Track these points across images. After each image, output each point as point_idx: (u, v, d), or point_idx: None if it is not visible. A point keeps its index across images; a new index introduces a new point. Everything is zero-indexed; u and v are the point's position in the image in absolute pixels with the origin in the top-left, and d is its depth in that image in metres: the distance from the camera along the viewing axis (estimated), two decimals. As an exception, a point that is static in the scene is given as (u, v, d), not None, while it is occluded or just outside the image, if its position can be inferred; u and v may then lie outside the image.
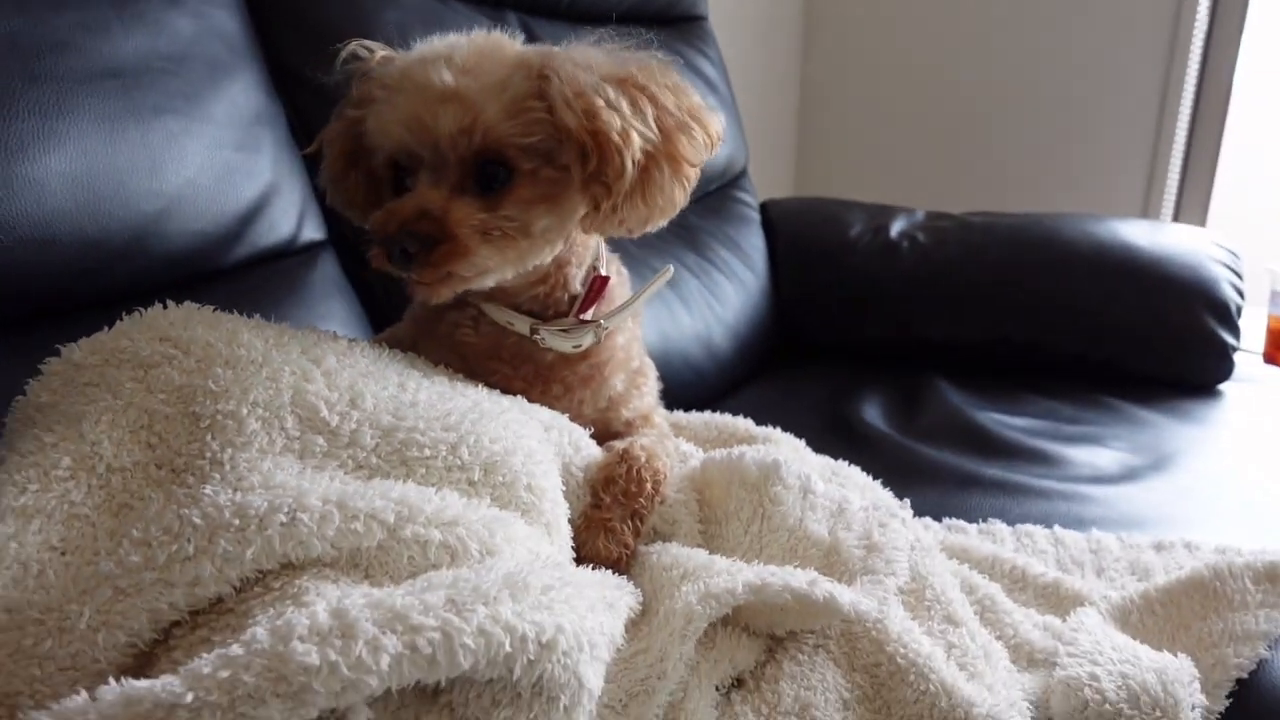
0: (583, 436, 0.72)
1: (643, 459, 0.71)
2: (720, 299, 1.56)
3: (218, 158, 0.89)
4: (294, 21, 1.08)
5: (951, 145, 2.49)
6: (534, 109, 0.65)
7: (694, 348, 1.46)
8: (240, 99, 0.95)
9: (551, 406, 0.76)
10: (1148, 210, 2.27)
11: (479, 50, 0.68)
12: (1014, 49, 2.34)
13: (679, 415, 1.02)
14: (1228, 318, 1.45)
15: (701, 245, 1.61)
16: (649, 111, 0.67)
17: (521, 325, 0.75)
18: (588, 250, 0.78)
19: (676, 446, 0.83)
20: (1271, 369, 1.55)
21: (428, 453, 0.57)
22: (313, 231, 1.02)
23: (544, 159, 0.67)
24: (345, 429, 0.55)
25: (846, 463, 0.98)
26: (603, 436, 0.80)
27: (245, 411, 0.54)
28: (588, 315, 0.77)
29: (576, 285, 0.77)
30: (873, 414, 1.34)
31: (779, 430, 1.00)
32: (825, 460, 0.94)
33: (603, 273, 0.78)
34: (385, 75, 0.69)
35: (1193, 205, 2.24)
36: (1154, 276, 1.49)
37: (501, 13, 1.40)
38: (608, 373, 0.80)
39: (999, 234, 1.62)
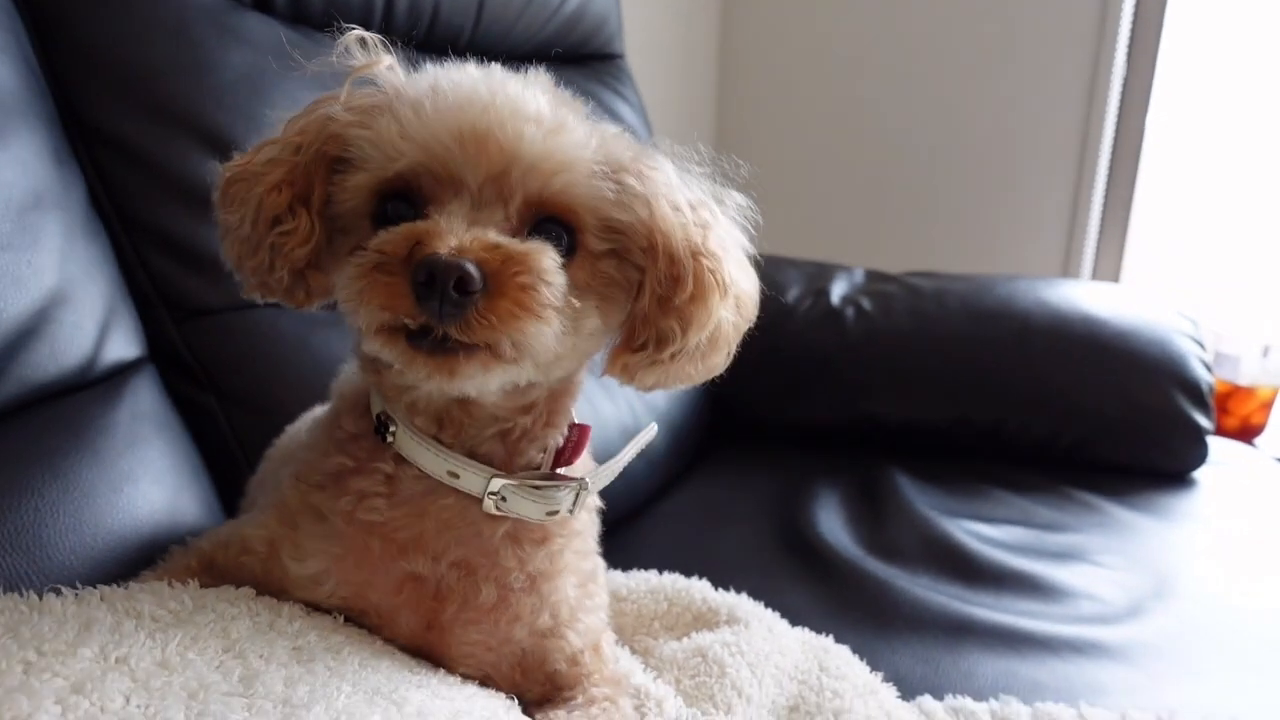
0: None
1: None
2: (646, 380, 1.34)
3: (-35, 264, 0.63)
4: (99, 67, 0.82)
5: (874, 194, 2.37)
6: (630, 186, 0.51)
7: (621, 444, 1.23)
8: (8, 174, 0.69)
9: (471, 628, 0.55)
10: (1068, 265, 2.21)
11: (553, 91, 0.53)
12: (938, 99, 2.25)
13: (616, 579, 0.80)
14: (1200, 399, 1.33)
15: (623, 316, 1.40)
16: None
17: (473, 480, 0.55)
18: (580, 388, 0.60)
19: (636, 694, 0.61)
20: (1236, 447, 1.44)
21: None
22: (122, 348, 0.76)
23: (613, 249, 0.52)
24: None
25: (831, 637, 0.78)
26: (533, 674, 0.58)
27: None
28: (571, 469, 0.58)
29: (560, 434, 0.58)
30: (830, 523, 1.15)
31: (745, 599, 0.79)
32: (808, 642, 0.74)
33: (576, 420, 0.60)
34: (412, 83, 0.51)
35: (1108, 262, 2.20)
36: (1121, 354, 1.36)
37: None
38: (560, 570, 0.59)
39: (950, 303, 1.46)
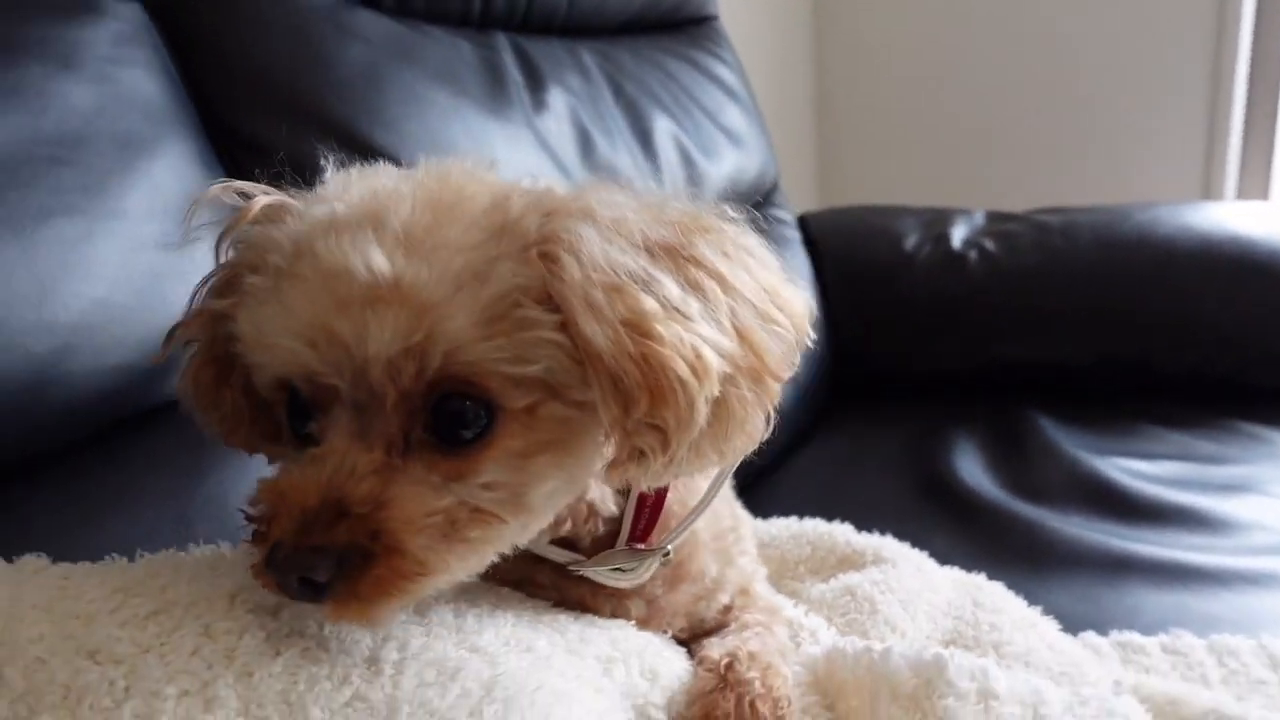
0: (659, 654, 0.50)
1: (756, 683, 0.49)
2: (768, 338, 1.33)
3: (137, 263, 0.69)
4: (232, 71, 0.87)
5: (987, 135, 2.27)
6: (532, 316, 0.41)
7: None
8: (165, 180, 0.74)
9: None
10: (1209, 189, 2.06)
11: (431, 202, 0.43)
12: (1049, 24, 2.12)
13: (758, 526, 0.81)
14: (1370, 314, 1.22)
15: (739, 278, 1.39)
16: (722, 304, 0.43)
17: (557, 556, 0.53)
18: (598, 481, 0.51)
19: (789, 626, 0.61)
20: None
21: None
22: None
23: (546, 389, 0.42)
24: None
25: (983, 575, 0.77)
26: (691, 633, 0.59)
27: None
28: (646, 544, 0.53)
29: (609, 506, 0.52)
30: (970, 468, 1.12)
31: (890, 540, 0.78)
32: (959, 580, 0.73)
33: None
34: (267, 244, 0.43)
35: (1255, 180, 2.02)
36: (1276, 275, 1.26)
37: (489, 35, 1.19)
38: (697, 565, 0.57)
39: (1081, 235, 1.39)
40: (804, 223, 1.60)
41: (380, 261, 0.39)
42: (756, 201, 1.56)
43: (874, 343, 1.46)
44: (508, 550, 0.45)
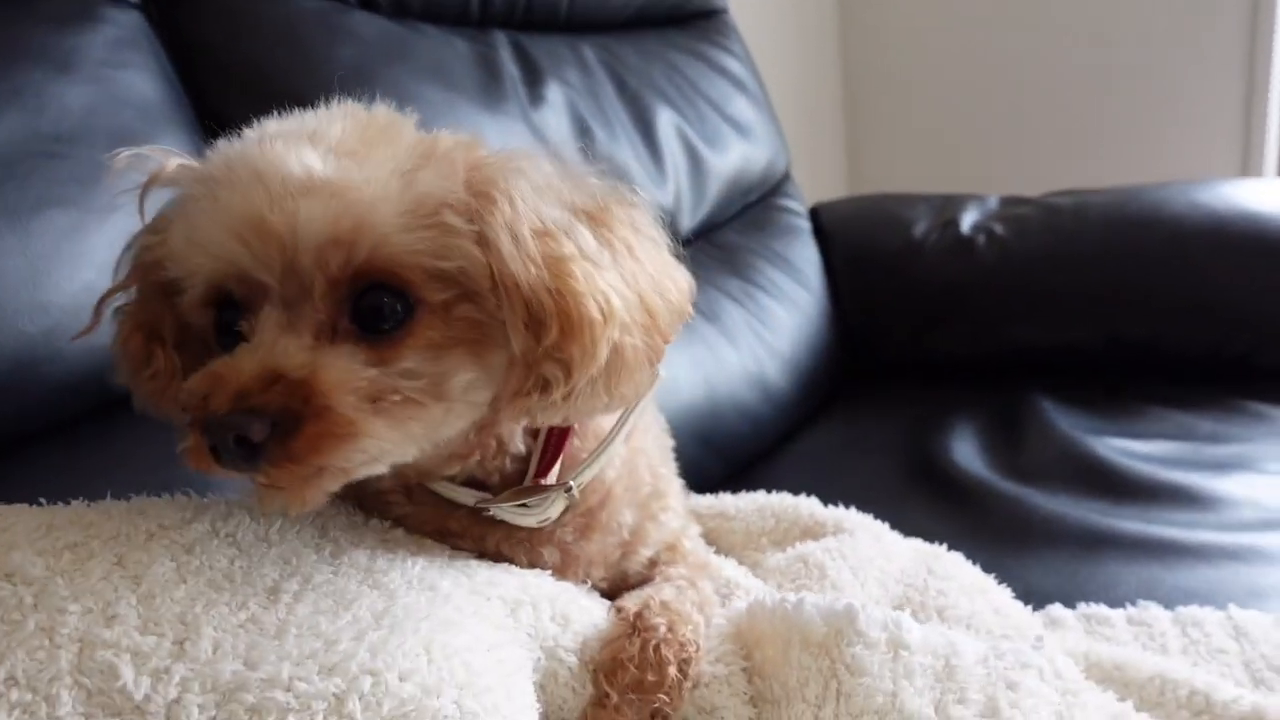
0: (573, 601, 0.53)
1: (661, 628, 0.51)
2: (771, 326, 1.35)
3: (127, 250, 0.73)
4: (229, 73, 0.92)
5: (1019, 120, 2.24)
6: (454, 223, 0.45)
7: (745, 390, 1.26)
8: (159, 174, 0.79)
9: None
10: (1247, 169, 1.99)
11: (361, 127, 0.48)
12: (1080, 2, 2.08)
13: (725, 500, 0.82)
14: (1389, 292, 1.19)
15: (744, 266, 1.41)
16: (628, 266, 0.48)
17: (465, 498, 0.55)
18: (510, 412, 0.53)
19: (721, 581, 0.63)
20: None
21: (291, 720, 0.37)
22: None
23: (463, 292, 0.46)
24: (159, 700, 0.36)
25: (945, 547, 0.77)
26: (617, 588, 0.61)
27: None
28: (549, 479, 0.55)
29: (518, 443, 0.55)
30: (964, 451, 1.12)
31: (853, 512, 0.80)
32: (919, 549, 0.74)
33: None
34: (198, 173, 0.47)
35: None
36: (1290, 249, 1.24)
37: (487, 33, 1.22)
38: (609, 515, 0.59)
39: (1092, 216, 1.38)
40: (816, 213, 1.61)
41: (314, 160, 0.44)
42: (765, 192, 1.58)
43: (883, 330, 1.46)
44: (429, 447, 0.48)
